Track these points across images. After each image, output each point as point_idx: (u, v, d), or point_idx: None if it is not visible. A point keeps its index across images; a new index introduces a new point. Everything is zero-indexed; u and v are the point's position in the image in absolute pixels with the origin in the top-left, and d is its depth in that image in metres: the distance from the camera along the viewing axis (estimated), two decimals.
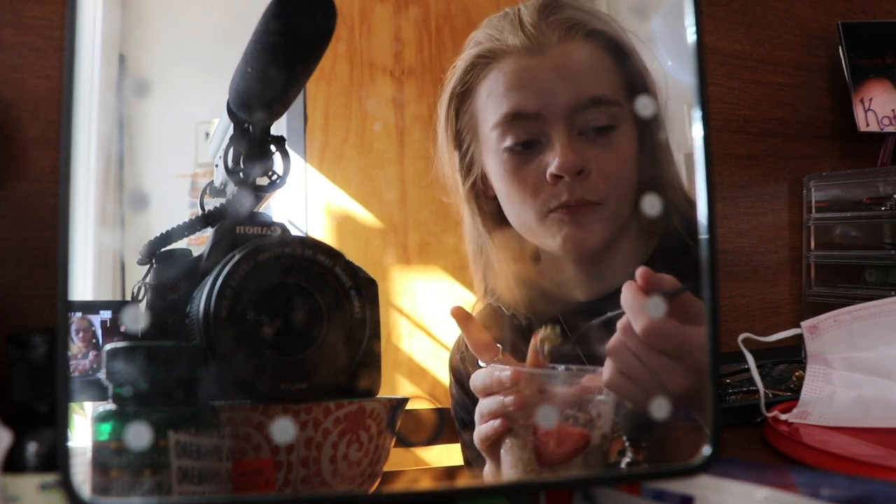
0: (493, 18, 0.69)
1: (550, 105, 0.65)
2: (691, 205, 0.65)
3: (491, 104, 0.67)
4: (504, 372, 0.57)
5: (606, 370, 0.54)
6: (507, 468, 0.57)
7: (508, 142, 0.66)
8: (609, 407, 0.57)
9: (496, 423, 0.57)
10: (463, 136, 0.70)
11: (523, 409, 0.56)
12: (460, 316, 0.61)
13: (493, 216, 0.71)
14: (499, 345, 0.61)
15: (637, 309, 0.53)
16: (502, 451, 0.57)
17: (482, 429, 0.58)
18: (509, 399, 0.56)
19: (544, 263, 0.70)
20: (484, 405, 0.58)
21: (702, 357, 0.51)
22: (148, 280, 0.57)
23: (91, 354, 0.60)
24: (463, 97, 0.70)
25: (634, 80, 0.67)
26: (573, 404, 0.56)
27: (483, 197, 0.71)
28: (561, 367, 0.59)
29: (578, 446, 0.56)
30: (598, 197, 0.65)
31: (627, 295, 0.54)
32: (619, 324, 0.54)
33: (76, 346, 0.60)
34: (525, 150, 0.66)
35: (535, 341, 0.60)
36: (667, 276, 0.54)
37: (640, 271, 0.54)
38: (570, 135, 0.65)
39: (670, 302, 0.52)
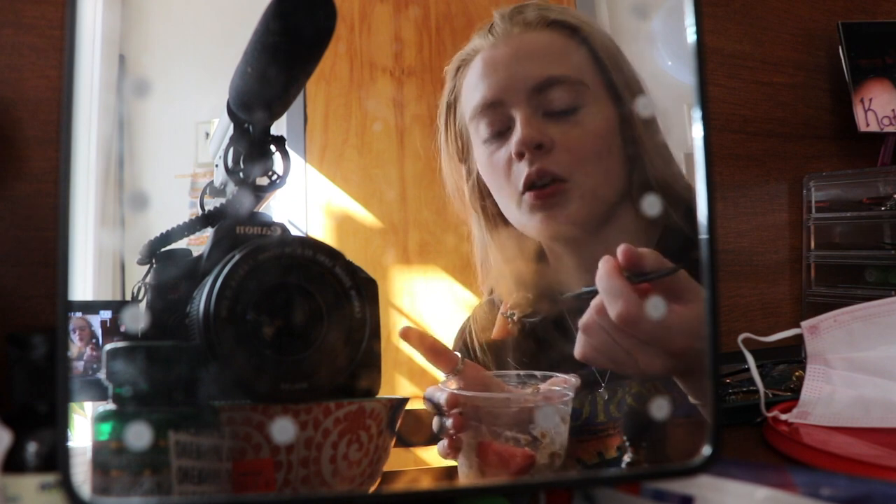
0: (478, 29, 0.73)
1: (510, 89, 0.68)
2: (689, 191, 0.66)
3: (467, 100, 0.71)
4: (441, 395, 0.58)
5: (579, 344, 0.54)
6: (462, 482, 0.59)
7: (483, 133, 0.69)
8: (554, 423, 0.57)
9: (445, 443, 0.59)
10: (462, 142, 0.73)
11: (462, 431, 0.57)
12: (410, 336, 0.62)
13: (496, 217, 0.72)
14: (458, 353, 0.62)
15: (611, 293, 0.52)
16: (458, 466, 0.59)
17: (438, 445, 0.60)
18: (448, 421, 0.57)
19: (549, 262, 0.71)
20: (433, 424, 0.60)
21: (681, 340, 0.51)
22: (148, 280, 0.57)
23: (88, 352, 0.60)
24: (454, 103, 0.73)
25: (604, 62, 0.68)
26: (513, 425, 0.57)
27: (484, 197, 0.72)
28: (511, 374, 0.60)
29: (523, 466, 0.56)
30: (561, 171, 0.66)
31: (602, 274, 0.53)
32: (594, 302, 0.53)
33: (75, 345, 0.60)
34: (497, 139, 0.68)
35: (504, 308, 0.60)
36: (650, 253, 0.53)
37: (621, 248, 0.53)
38: (531, 114, 0.67)
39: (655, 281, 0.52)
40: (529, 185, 0.67)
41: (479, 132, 0.70)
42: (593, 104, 0.68)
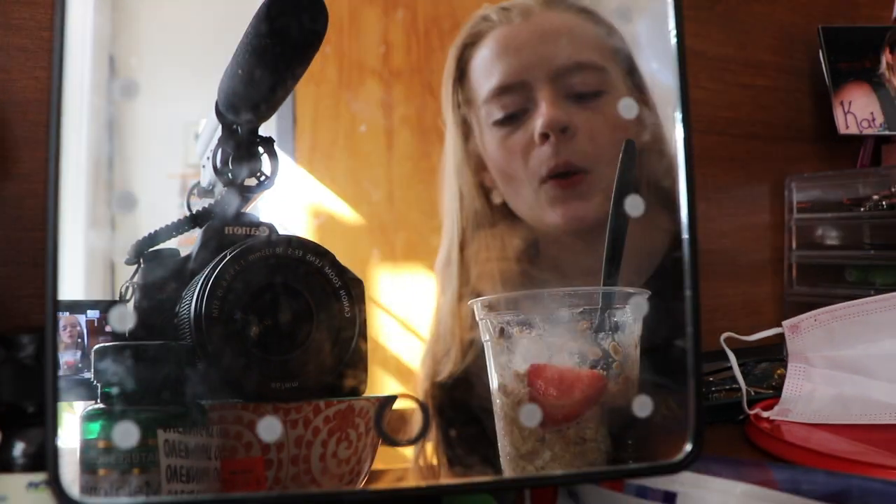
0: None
1: (534, 69, 0.65)
2: None
3: (482, 78, 0.68)
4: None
5: None
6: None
7: (497, 115, 0.67)
8: (629, 334, 0.47)
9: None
10: (469, 124, 0.70)
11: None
12: None
13: (492, 208, 0.69)
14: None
15: None
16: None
17: None
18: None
19: (542, 259, 0.69)
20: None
21: None
22: (136, 280, 0.57)
23: (74, 343, 0.59)
24: (460, 80, 0.69)
25: (622, 50, 0.67)
26: (577, 338, 0.46)
27: (485, 187, 0.69)
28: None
29: (590, 393, 0.46)
30: (585, 162, 0.64)
31: None
32: None
33: (63, 343, 0.59)
34: (514, 121, 0.66)
35: None
36: None
37: None
38: (556, 96, 0.65)
39: None
40: (553, 173, 0.64)
41: (491, 114, 0.67)
42: (614, 91, 0.66)
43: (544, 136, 0.64)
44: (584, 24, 0.67)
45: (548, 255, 0.69)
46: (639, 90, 0.67)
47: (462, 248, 0.70)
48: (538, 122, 0.64)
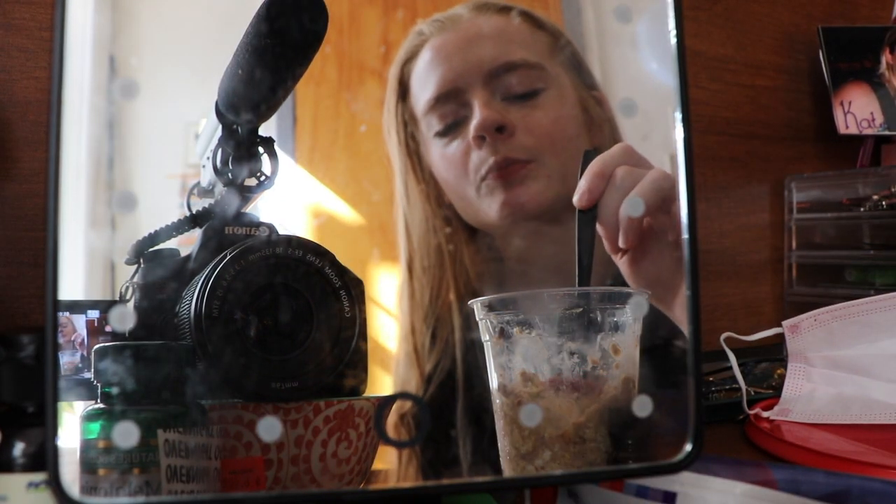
0: None
1: (466, 75, 0.65)
2: None
3: (420, 91, 0.68)
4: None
5: None
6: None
7: (437, 126, 0.66)
8: (630, 334, 0.47)
9: None
10: (416, 140, 0.70)
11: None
12: None
13: (459, 225, 0.68)
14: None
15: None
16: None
17: None
18: None
19: (505, 258, 0.69)
20: None
21: None
22: (136, 280, 0.58)
23: (67, 344, 0.59)
24: (405, 100, 0.69)
25: (560, 45, 0.66)
26: (575, 336, 0.46)
27: (443, 204, 0.69)
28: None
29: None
30: (526, 155, 0.63)
31: None
32: None
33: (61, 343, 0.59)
34: (453, 130, 0.66)
35: None
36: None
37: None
38: (489, 97, 0.64)
39: None
40: (492, 171, 0.63)
41: (432, 126, 0.67)
42: (554, 87, 0.65)
43: (480, 139, 0.64)
44: (516, 24, 0.67)
45: (512, 261, 0.68)
46: (588, 87, 0.66)
47: (410, 269, 0.70)
48: (472, 125, 0.64)
